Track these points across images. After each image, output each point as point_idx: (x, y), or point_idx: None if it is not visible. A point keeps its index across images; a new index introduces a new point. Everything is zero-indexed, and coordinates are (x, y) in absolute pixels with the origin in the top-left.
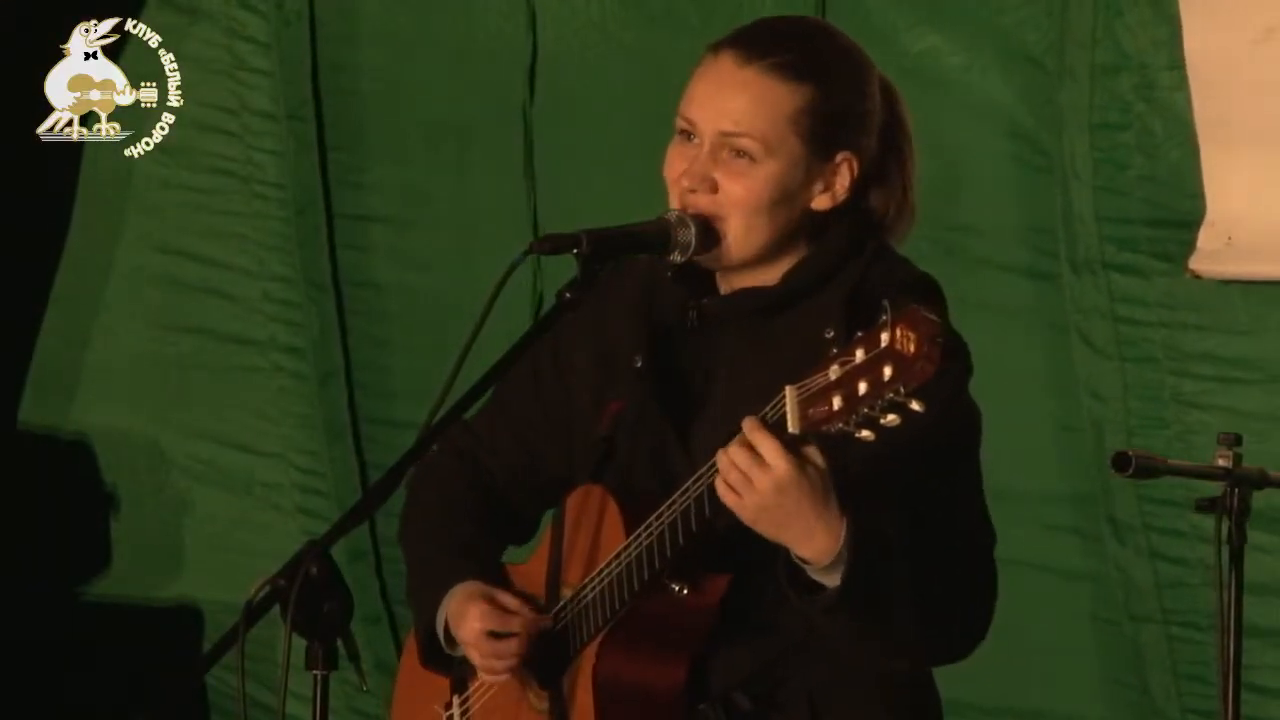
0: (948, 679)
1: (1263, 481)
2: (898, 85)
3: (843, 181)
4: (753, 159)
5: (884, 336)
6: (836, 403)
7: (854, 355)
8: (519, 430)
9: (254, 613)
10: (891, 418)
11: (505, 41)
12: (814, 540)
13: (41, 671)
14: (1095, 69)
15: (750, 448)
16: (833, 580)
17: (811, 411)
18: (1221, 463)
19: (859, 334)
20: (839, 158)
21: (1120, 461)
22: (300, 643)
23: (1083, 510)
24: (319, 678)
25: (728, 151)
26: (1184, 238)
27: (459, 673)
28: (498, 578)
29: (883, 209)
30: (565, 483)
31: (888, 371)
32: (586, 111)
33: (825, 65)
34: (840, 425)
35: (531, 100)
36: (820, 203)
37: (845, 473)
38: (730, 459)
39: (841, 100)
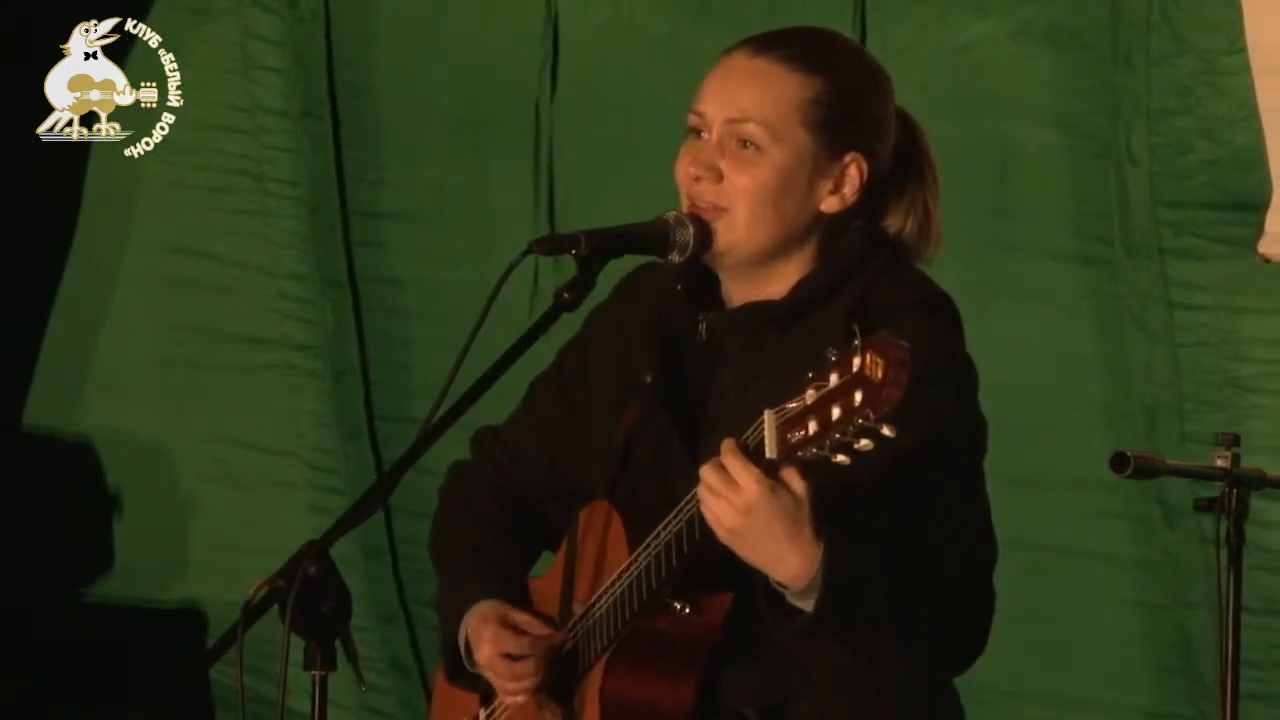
0: (991, 666)
1: (1261, 482)
2: (944, 74)
3: (852, 183)
4: (759, 148)
5: (855, 361)
6: (812, 427)
7: (828, 379)
8: (546, 435)
9: (252, 613)
10: (864, 443)
11: (523, 37)
12: (786, 565)
13: (44, 672)
14: (1151, 54)
15: (724, 470)
16: (809, 606)
17: (790, 435)
18: (1220, 463)
19: (832, 358)
20: (848, 157)
21: (1118, 462)
22: (300, 643)
23: (1132, 496)
24: (317, 678)
25: (735, 141)
26: (1249, 220)
27: (485, 686)
28: (519, 592)
29: (898, 227)
30: (590, 489)
31: (858, 397)
32: (611, 108)
33: (836, 60)
34: (815, 450)
35: (553, 97)
36: (829, 204)
37: (832, 495)
38: (705, 481)
39: (852, 96)
